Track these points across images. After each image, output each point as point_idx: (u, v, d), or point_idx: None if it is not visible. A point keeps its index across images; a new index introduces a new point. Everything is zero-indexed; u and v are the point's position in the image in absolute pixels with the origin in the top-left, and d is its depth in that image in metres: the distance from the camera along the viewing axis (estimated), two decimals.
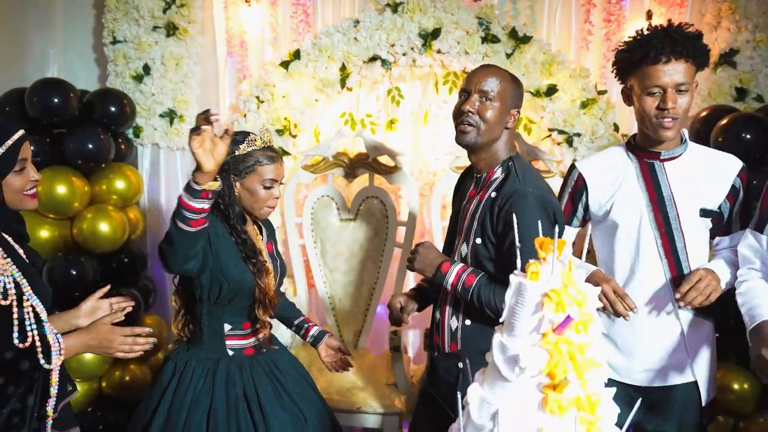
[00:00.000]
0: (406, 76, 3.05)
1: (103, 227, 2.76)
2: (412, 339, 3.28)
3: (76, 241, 2.80)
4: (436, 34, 2.80)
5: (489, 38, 2.79)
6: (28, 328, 1.45)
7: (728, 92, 2.75)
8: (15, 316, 1.44)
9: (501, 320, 1.02)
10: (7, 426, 1.44)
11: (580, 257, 1.43)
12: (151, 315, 3.06)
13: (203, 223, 1.57)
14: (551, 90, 2.78)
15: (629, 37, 1.77)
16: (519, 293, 0.96)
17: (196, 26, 3.03)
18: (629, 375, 1.82)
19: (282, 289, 2.96)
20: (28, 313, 1.46)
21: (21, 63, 3.12)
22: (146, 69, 3.00)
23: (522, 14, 2.91)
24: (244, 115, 2.96)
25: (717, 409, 1.90)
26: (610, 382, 1.05)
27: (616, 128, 2.79)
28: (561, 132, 2.81)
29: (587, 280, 1.20)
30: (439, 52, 2.83)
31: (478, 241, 1.73)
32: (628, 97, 1.80)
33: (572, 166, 1.95)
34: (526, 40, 2.79)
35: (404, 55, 2.86)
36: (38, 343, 1.47)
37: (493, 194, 1.70)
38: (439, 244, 2.85)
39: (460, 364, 1.74)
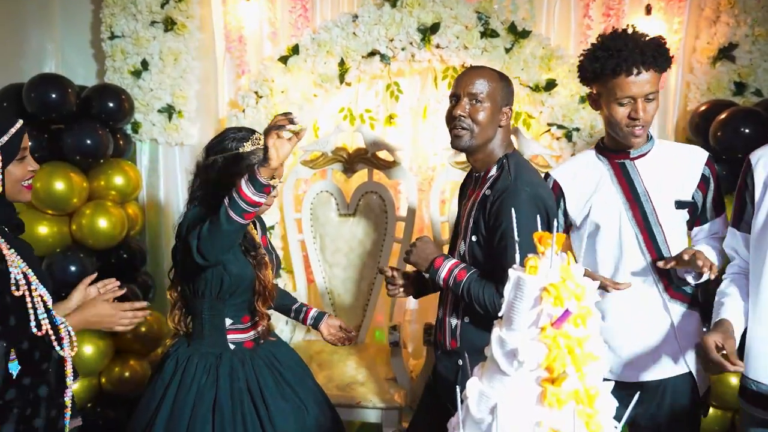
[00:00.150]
0: (405, 71, 3.04)
1: (102, 223, 2.76)
2: (412, 334, 3.29)
3: (74, 238, 2.80)
4: (435, 28, 2.79)
5: (488, 33, 2.79)
6: (41, 317, 1.49)
7: (727, 87, 2.75)
8: (30, 306, 1.47)
9: (500, 314, 1.02)
10: (23, 418, 1.46)
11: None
12: (151, 310, 3.06)
13: (254, 217, 1.62)
14: (550, 85, 2.78)
15: (595, 44, 1.78)
16: (518, 287, 0.96)
17: (195, 21, 3.02)
18: (620, 372, 1.83)
19: (281, 284, 2.97)
20: (37, 302, 1.50)
21: (18, 58, 3.11)
22: (144, 64, 2.99)
23: (521, 9, 2.90)
24: (243, 111, 2.96)
25: (710, 401, 1.92)
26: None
27: None
28: (560, 127, 2.81)
29: None
30: (438, 46, 2.83)
31: (474, 238, 1.75)
32: (595, 102, 1.83)
33: (546, 174, 1.98)
34: (525, 34, 2.79)
35: (403, 49, 2.85)
36: (51, 332, 1.51)
37: (487, 192, 1.73)
38: (438, 240, 2.85)
39: (460, 361, 1.74)
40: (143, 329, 2.97)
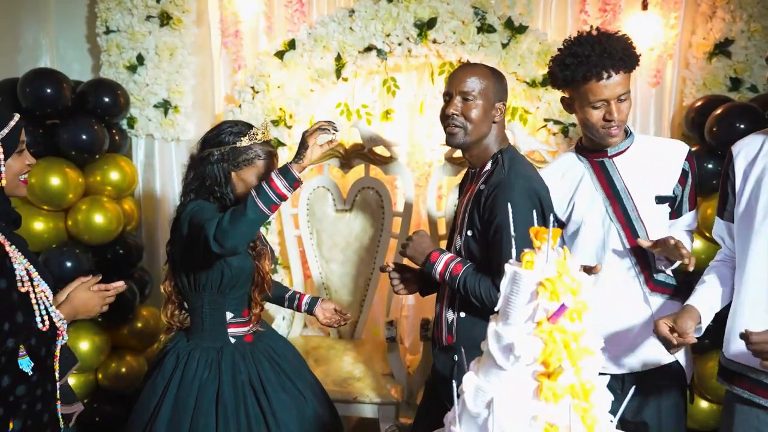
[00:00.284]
0: (402, 67, 3.04)
1: (98, 219, 2.75)
2: (408, 329, 3.30)
3: (70, 233, 2.79)
4: (431, 23, 2.79)
5: (485, 28, 2.78)
6: (44, 312, 1.51)
7: (723, 82, 2.76)
8: (34, 301, 1.49)
9: (496, 309, 1.02)
10: (31, 413, 1.48)
11: None
12: (148, 306, 3.06)
13: (276, 210, 1.67)
14: (547, 80, 2.77)
15: (562, 49, 1.79)
16: (514, 282, 0.97)
17: (190, 16, 3.01)
18: (606, 367, 1.84)
19: (277, 279, 2.97)
20: (41, 298, 1.51)
21: (13, 53, 3.09)
22: (140, 59, 2.98)
23: (518, 4, 2.90)
24: (239, 106, 2.95)
25: (693, 389, 1.95)
26: None
27: None
28: (556, 122, 2.81)
29: None
30: (434, 42, 2.82)
31: (469, 233, 1.76)
32: (569, 105, 1.85)
33: None
34: (521, 30, 2.79)
35: (400, 45, 2.85)
36: (51, 327, 1.53)
37: (482, 186, 1.74)
38: (435, 235, 2.86)
39: (456, 357, 1.75)
40: (139, 325, 2.97)
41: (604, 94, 1.72)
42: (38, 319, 1.49)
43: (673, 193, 1.84)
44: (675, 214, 1.88)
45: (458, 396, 1.03)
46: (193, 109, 3.08)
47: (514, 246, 1.06)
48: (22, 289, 1.47)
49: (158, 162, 3.12)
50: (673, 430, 1.85)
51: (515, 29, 2.78)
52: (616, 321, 1.83)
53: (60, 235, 2.77)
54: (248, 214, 1.60)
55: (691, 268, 1.69)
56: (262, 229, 2.50)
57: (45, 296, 1.53)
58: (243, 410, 1.80)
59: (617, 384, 1.79)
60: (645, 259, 1.81)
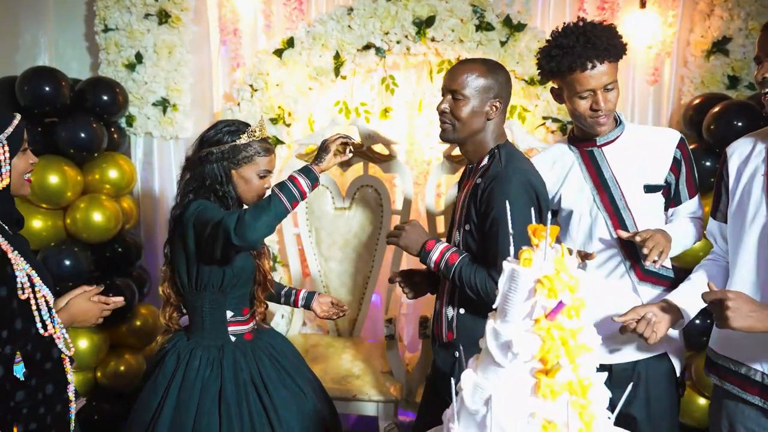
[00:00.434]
0: (401, 65, 3.04)
1: (97, 217, 2.75)
2: (407, 327, 3.30)
3: (69, 231, 2.79)
4: (430, 21, 2.79)
5: (483, 26, 2.79)
6: (46, 318, 1.52)
7: (720, 80, 2.77)
8: (34, 308, 1.50)
9: (494, 306, 1.03)
10: (34, 416, 1.49)
11: None
12: (147, 305, 3.06)
13: (296, 207, 1.73)
14: (545, 80, 2.78)
15: (549, 41, 1.81)
16: (512, 279, 0.97)
17: (189, 14, 3.01)
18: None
19: (276, 277, 2.98)
20: (41, 303, 1.52)
21: (12, 51, 3.09)
22: (138, 57, 2.98)
23: (516, 2, 2.90)
24: (238, 104, 2.95)
25: (685, 381, 1.95)
26: None
27: None
28: (555, 120, 2.81)
29: None
30: (433, 40, 2.82)
31: (467, 227, 1.76)
32: (558, 96, 1.86)
33: None
34: (520, 27, 2.79)
35: (398, 43, 2.85)
36: (61, 333, 1.55)
37: (478, 180, 1.75)
38: (433, 233, 2.86)
39: (456, 353, 1.75)
40: (138, 323, 2.97)
41: (590, 84, 1.74)
42: (39, 324, 1.49)
43: (665, 181, 1.84)
44: (674, 202, 1.89)
45: (457, 393, 1.03)
46: (191, 107, 3.08)
47: (512, 241, 1.06)
48: (23, 297, 1.47)
49: (157, 160, 3.12)
50: (663, 423, 1.84)
51: (513, 27, 2.79)
52: (604, 310, 1.82)
53: (58, 233, 2.77)
54: (271, 209, 1.64)
55: (647, 263, 1.69)
56: None
57: (45, 301, 1.53)
58: (246, 408, 1.80)
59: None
60: (632, 248, 1.81)
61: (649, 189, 1.84)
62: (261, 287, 1.94)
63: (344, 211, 2.99)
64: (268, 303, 2.09)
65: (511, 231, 1.09)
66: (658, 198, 1.86)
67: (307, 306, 2.16)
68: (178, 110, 3.04)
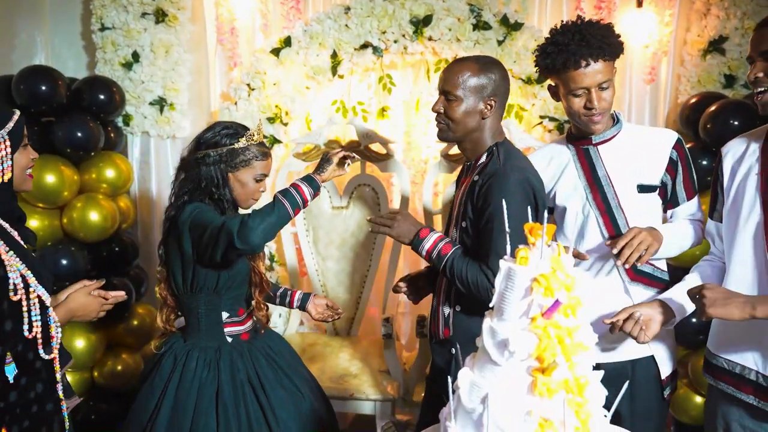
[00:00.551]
0: (398, 64, 3.04)
1: (93, 216, 2.75)
2: (405, 326, 3.30)
3: (65, 231, 2.79)
4: (427, 21, 2.79)
5: (480, 25, 2.79)
6: (34, 319, 1.51)
7: (717, 79, 2.77)
8: (24, 309, 1.49)
9: (491, 305, 1.03)
10: (27, 414, 1.49)
11: None
12: (144, 304, 3.06)
13: (297, 214, 1.76)
14: (542, 77, 2.78)
15: (547, 38, 1.81)
16: (508, 278, 0.97)
17: (186, 13, 3.00)
18: None
19: (273, 277, 2.98)
20: (34, 304, 1.51)
21: (8, 50, 3.08)
22: (135, 56, 2.98)
23: (513, 1, 2.90)
24: (235, 103, 2.95)
25: (676, 384, 1.94)
26: None
27: None
28: (552, 119, 2.82)
29: None
30: (430, 39, 2.82)
31: (464, 224, 1.77)
32: (554, 93, 1.87)
33: None
34: (517, 27, 2.79)
35: (395, 42, 2.85)
36: (39, 335, 1.53)
37: (476, 177, 1.75)
38: None
39: (453, 350, 1.75)
40: (135, 323, 2.96)
41: (584, 82, 1.74)
42: (26, 327, 1.49)
43: (661, 182, 1.84)
44: (671, 203, 1.88)
45: (453, 392, 1.03)
46: (188, 106, 3.07)
47: (508, 240, 1.06)
48: (14, 298, 1.47)
49: (154, 159, 3.11)
50: (648, 424, 1.83)
51: (511, 26, 2.79)
52: (594, 310, 1.81)
53: (55, 232, 2.77)
54: (274, 214, 1.66)
55: (618, 263, 1.69)
56: None
57: (41, 301, 1.52)
58: (243, 408, 1.80)
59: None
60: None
61: (643, 189, 1.83)
62: (258, 289, 1.94)
63: (342, 210, 2.99)
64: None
65: (507, 229, 1.09)
66: (654, 198, 1.85)
67: (303, 307, 2.16)
68: (175, 109, 3.03)
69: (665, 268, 1.89)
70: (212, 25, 3.10)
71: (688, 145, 2.60)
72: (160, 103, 3.02)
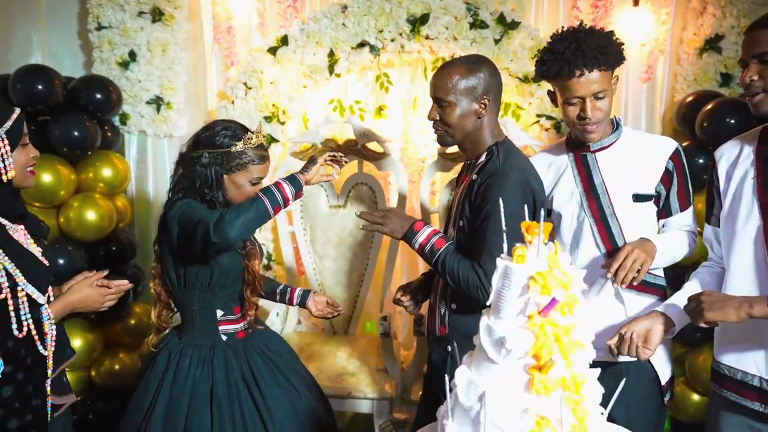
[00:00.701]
0: (395, 63, 3.04)
1: (90, 215, 2.75)
2: (402, 324, 3.30)
3: (62, 230, 2.79)
4: (424, 19, 2.79)
5: (477, 24, 2.79)
6: (23, 317, 1.51)
7: (713, 77, 2.78)
8: (11, 307, 1.49)
9: (488, 303, 1.03)
10: (11, 411, 1.49)
11: None
12: (141, 303, 3.06)
13: (278, 213, 1.73)
14: (539, 76, 2.78)
15: (548, 42, 1.80)
16: (505, 276, 0.97)
17: (183, 12, 3.00)
18: None
19: (271, 275, 2.98)
20: (23, 302, 1.51)
21: (4, 49, 3.08)
22: (132, 55, 2.97)
23: (510, 0, 2.90)
24: (232, 102, 2.95)
25: (673, 388, 1.93)
26: None
27: None
28: (549, 118, 2.82)
29: None
30: (427, 38, 2.83)
31: (461, 223, 1.77)
32: (553, 99, 1.85)
33: None
34: (514, 25, 2.80)
35: (392, 41, 2.85)
36: (34, 331, 1.53)
37: (475, 176, 1.75)
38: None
39: (449, 348, 1.76)
40: (133, 322, 2.96)
41: (578, 91, 1.72)
42: (14, 326, 1.49)
43: (655, 191, 1.82)
44: (664, 213, 1.86)
45: (450, 390, 1.04)
46: (185, 105, 3.07)
47: (505, 238, 1.06)
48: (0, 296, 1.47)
49: (151, 159, 3.11)
50: (645, 427, 1.81)
51: (507, 25, 2.79)
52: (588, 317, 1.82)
53: (52, 231, 2.74)
54: (252, 211, 1.64)
55: (614, 285, 1.67)
56: None
57: (29, 299, 1.52)
58: (237, 407, 1.80)
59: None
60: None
61: (638, 198, 1.81)
62: (249, 288, 1.91)
63: (339, 209, 2.99)
64: (263, 301, 2.09)
65: (504, 228, 1.09)
66: (649, 207, 1.84)
67: (302, 304, 2.15)
68: (172, 108, 3.03)
69: (661, 273, 1.88)
70: (209, 23, 3.10)
71: (684, 144, 2.62)
72: (157, 102, 3.01)
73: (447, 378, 1.03)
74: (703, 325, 1.45)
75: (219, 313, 1.87)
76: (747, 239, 1.55)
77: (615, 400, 1.73)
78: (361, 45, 2.87)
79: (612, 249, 1.80)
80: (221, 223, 1.60)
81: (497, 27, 2.80)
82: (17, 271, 1.51)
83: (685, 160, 1.85)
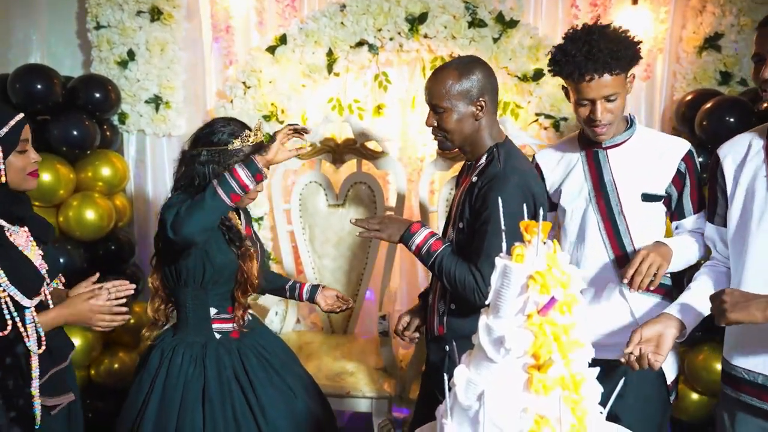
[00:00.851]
0: (394, 62, 3.04)
1: (89, 215, 2.75)
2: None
3: (61, 229, 2.78)
4: (423, 18, 2.79)
5: (476, 23, 2.79)
6: (7, 316, 1.51)
7: (713, 76, 2.77)
8: None
9: (487, 302, 1.03)
10: (11, 406, 1.50)
11: None
12: (141, 302, 3.05)
13: (238, 201, 1.70)
14: (538, 74, 2.78)
15: (562, 39, 1.77)
16: (504, 275, 0.97)
17: (181, 11, 3.00)
18: None
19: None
20: (6, 303, 1.51)
21: (3, 49, 3.08)
22: (131, 54, 2.97)
23: None
24: (231, 101, 2.95)
25: (678, 388, 1.91)
26: None
27: None
28: (548, 116, 2.82)
29: None
30: (426, 36, 2.82)
31: (461, 224, 1.76)
32: (567, 95, 1.83)
33: (533, 157, 2.01)
34: (512, 24, 2.79)
35: (391, 39, 2.85)
36: (21, 327, 1.53)
37: (475, 179, 1.75)
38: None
39: (447, 347, 1.76)
40: (132, 321, 2.96)
41: (588, 94, 1.70)
42: None
43: (666, 192, 1.80)
44: (677, 215, 1.83)
45: (449, 389, 1.04)
46: (184, 104, 3.07)
47: (504, 240, 1.06)
48: None
49: (150, 158, 3.11)
50: (651, 426, 1.80)
51: (506, 24, 2.79)
52: (592, 316, 1.80)
53: None
54: (207, 203, 1.63)
55: (632, 289, 1.64)
56: (255, 225, 2.50)
57: (13, 301, 1.52)
58: (230, 405, 1.79)
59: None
60: (624, 252, 1.79)
61: (647, 198, 1.80)
62: (240, 288, 1.88)
63: (338, 208, 2.99)
64: (263, 300, 2.09)
65: (502, 224, 1.09)
66: (658, 207, 1.82)
67: (312, 299, 2.14)
68: (170, 107, 3.03)
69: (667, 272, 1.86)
70: (208, 23, 3.09)
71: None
72: (156, 102, 3.01)
73: (446, 377, 1.03)
74: (724, 325, 1.40)
75: (212, 311, 1.86)
76: (764, 238, 1.50)
77: (621, 399, 1.73)
78: (360, 44, 2.87)
79: (617, 247, 1.79)
80: (177, 221, 1.61)
81: (496, 26, 2.79)
82: (1, 271, 1.51)
83: (698, 162, 1.83)
